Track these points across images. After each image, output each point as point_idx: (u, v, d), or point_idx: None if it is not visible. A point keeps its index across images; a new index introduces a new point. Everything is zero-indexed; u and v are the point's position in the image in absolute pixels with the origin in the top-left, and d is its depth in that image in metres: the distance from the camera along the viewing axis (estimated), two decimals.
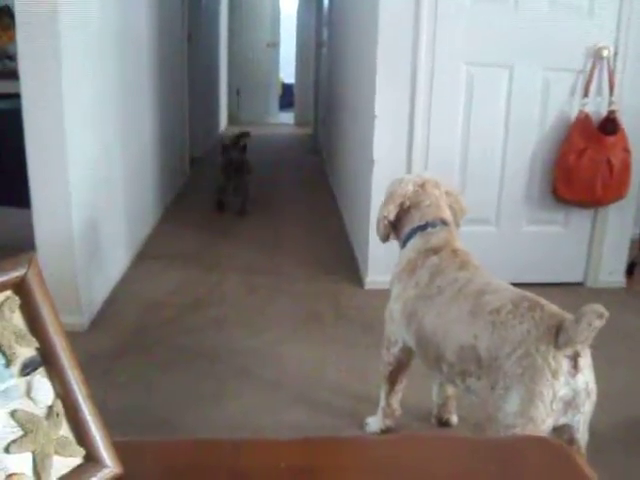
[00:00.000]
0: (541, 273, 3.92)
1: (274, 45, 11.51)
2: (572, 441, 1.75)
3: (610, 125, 3.60)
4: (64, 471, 0.79)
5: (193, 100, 6.92)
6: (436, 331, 2.00)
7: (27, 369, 0.79)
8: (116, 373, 2.83)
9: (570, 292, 3.85)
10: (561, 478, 0.87)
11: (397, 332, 2.24)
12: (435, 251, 2.15)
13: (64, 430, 0.80)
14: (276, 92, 12.01)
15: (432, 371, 2.15)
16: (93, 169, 3.44)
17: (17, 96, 2.99)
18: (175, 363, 2.97)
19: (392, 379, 2.36)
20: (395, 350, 2.29)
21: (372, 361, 2.59)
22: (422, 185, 2.28)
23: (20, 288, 0.79)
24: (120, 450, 0.82)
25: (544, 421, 1.69)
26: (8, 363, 0.77)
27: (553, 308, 1.78)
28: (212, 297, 3.72)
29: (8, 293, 0.79)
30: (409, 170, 3.72)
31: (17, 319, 0.79)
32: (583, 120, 3.66)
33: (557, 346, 1.68)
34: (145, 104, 4.74)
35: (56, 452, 0.78)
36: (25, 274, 0.79)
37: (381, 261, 3.80)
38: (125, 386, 2.74)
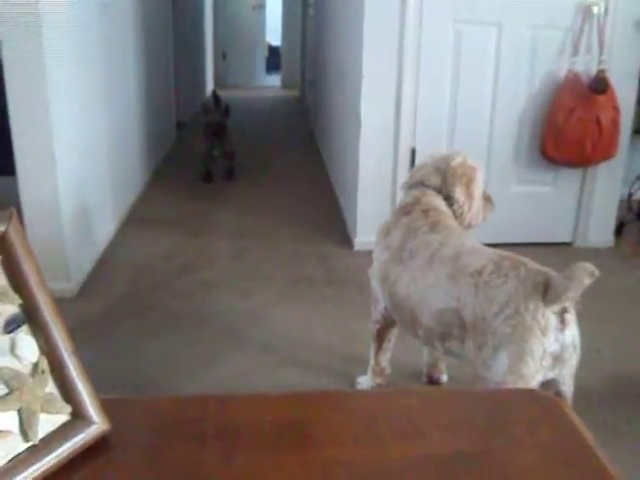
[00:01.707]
0: (530, 233, 3.93)
1: (260, 7, 11.37)
2: (558, 394, 1.78)
3: (600, 84, 3.58)
4: (51, 428, 0.78)
5: (179, 64, 6.85)
6: (410, 296, 2.01)
7: (10, 326, 0.78)
8: (105, 338, 2.83)
9: (559, 252, 3.86)
10: (551, 429, 0.88)
11: (378, 289, 2.24)
12: (406, 212, 2.15)
13: (50, 387, 0.79)
14: (263, 55, 11.90)
15: (408, 333, 2.16)
16: (78, 135, 3.40)
17: None
18: (165, 327, 2.97)
19: (380, 337, 2.37)
20: (380, 308, 2.29)
21: (362, 322, 2.59)
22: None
23: (1, 245, 0.78)
24: (107, 407, 0.82)
25: (534, 377, 1.72)
26: None
27: (535, 265, 1.79)
28: (201, 261, 3.71)
29: None
30: (397, 130, 3.70)
31: None
32: (572, 79, 3.64)
33: (545, 303, 1.69)
34: (130, 69, 4.68)
35: (42, 409, 0.78)
36: (5, 230, 0.78)
37: (370, 222, 3.78)
38: (115, 351, 2.74)
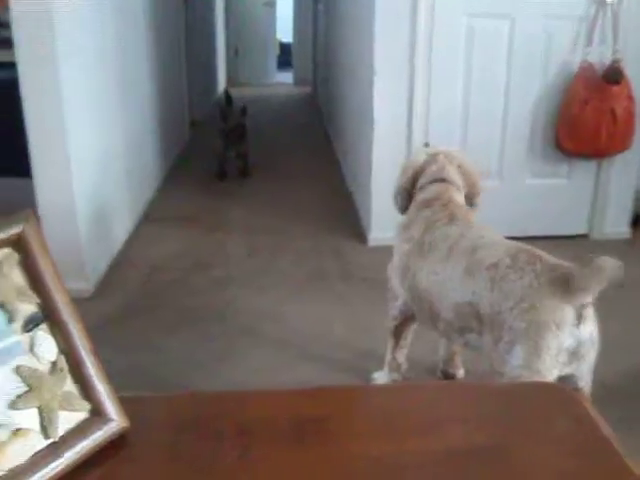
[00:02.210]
0: (545, 226, 3.91)
1: (270, 4, 11.36)
2: (576, 389, 1.76)
3: (614, 74, 3.55)
4: (70, 426, 0.79)
5: (191, 62, 6.86)
6: (430, 289, 2.01)
7: (29, 325, 0.78)
8: (123, 336, 2.84)
9: (575, 244, 3.84)
10: (569, 422, 0.87)
11: (398, 285, 2.25)
12: (427, 205, 2.16)
13: (68, 385, 0.80)
14: (274, 52, 11.89)
15: (427, 327, 2.17)
16: (93, 135, 3.42)
17: (12, 65, 2.96)
18: (180, 324, 2.98)
19: (397, 333, 2.37)
20: (399, 304, 2.29)
21: (377, 318, 2.59)
22: (434, 155, 2.27)
23: (19, 245, 0.79)
24: (125, 405, 0.82)
25: (550, 373, 1.70)
26: (10, 320, 0.77)
27: (552, 259, 1.78)
28: (216, 258, 3.72)
29: (7, 250, 0.78)
30: (410, 126, 3.69)
31: (17, 276, 0.79)
32: (586, 69, 3.61)
33: (563, 297, 1.68)
34: (143, 67, 4.69)
35: (61, 407, 0.78)
36: (23, 230, 0.79)
37: (384, 218, 3.78)
38: (131, 349, 2.75)
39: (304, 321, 3.00)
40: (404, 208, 2.29)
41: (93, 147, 3.42)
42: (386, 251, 3.30)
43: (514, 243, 1.90)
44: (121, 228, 3.92)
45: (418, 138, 3.72)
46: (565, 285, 1.68)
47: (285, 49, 12.03)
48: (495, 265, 1.81)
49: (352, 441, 0.84)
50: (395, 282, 2.26)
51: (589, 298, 1.69)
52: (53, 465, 0.75)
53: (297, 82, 11.29)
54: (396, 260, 2.23)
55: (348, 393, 0.97)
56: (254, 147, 5.49)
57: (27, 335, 0.78)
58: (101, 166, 3.55)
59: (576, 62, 3.66)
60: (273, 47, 11.81)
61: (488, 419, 0.88)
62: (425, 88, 3.67)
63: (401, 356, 2.41)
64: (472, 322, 1.87)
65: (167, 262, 3.67)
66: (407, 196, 2.27)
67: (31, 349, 0.78)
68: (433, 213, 2.11)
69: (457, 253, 1.94)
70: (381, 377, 2.48)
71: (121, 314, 3.06)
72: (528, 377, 1.70)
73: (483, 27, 3.62)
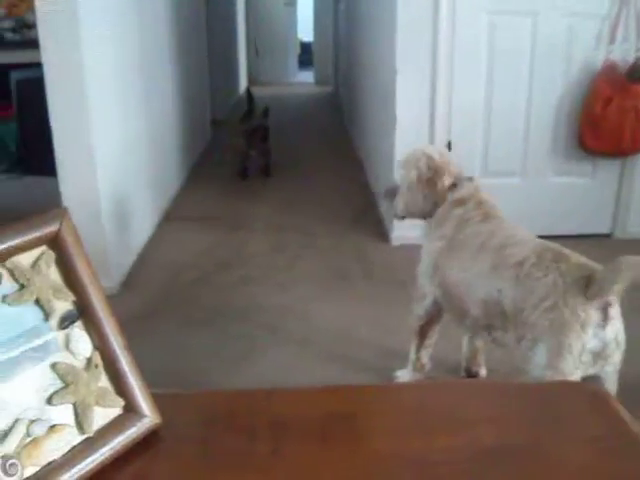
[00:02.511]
0: (568, 225, 3.89)
1: (291, 3, 11.38)
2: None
3: (637, 72, 3.52)
4: (104, 421, 0.80)
5: (213, 62, 6.89)
6: (459, 285, 2.02)
7: (65, 322, 0.80)
8: (147, 335, 2.86)
9: (598, 243, 3.82)
10: (598, 422, 0.87)
11: (426, 285, 2.24)
12: (461, 203, 2.15)
13: (103, 381, 0.81)
14: (295, 51, 11.91)
15: (458, 324, 2.17)
16: (117, 134, 3.45)
17: (38, 65, 3.00)
18: (204, 322, 3.00)
19: (422, 333, 2.37)
20: (426, 304, 2.28)
21: (400, 317, 2.60)
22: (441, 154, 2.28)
23: (54, 243, 0.80)
24: (157, 401, 0.83)
25: (573, 373, 1.69)
26: (47, 317, 0.78)
27: (578, 258, 1.77)
28: (239, 257, 3.74)
29: (43, 248, 0.79)
30: (432, 124, 3.69)
31: (53, 273, 0.80)
32: (609, 67, 3.59)
33: (587, 297, 1.66)
34: (165, 67, 4.72)
35: (96, 403, 0.79)
36: (59, 229, 0.80)
37: None
38: (155, 347, 2.77)
39: (327, 320, 3.01)
40: (425, 212, 2.26)
41: (117, 146, 3.44)
42: (408, 250, 3.32)
43: (542, 242, 1.89)
44: (144, 227, 3.94)
45: (440, 137, 3.72)
46: (589, 284, 1.66)
47: (306, 48, 12.05)
48: (521, 263, 1.80)
49: (381, 439, 0.84)
50: (424, 281, 2.26)
51: (613, 297, 1.68)
52: (88, 460, 0.76)
53: (318, 81, 11.31)
54: (425, 259, 2.23)
55: (377, 391, 0.98)
56: (275, 146, 5.51)
57: (63, 332, 0.80)
58: (124, 165, 3.58)
59: (599, 60, 3.63)
60: (294, 46, 11.83)
61: (517, 418, 0.88)
62: (447, 86, 3.66)
63: (425, 356, 2.41)
64: (497, 319, 1.87)
65: (190, 260, 3.69)
66: (422, 199, 2.24)
67: (67, 346, 0.80)
68: (466, 211, 2.11)
69: (486, 250, 1.95)
70: (404, 375, 2.47)
71: (145, 312, 3.08)
72: (551, 376, 1.69)
73: (505, 24, 3.60)
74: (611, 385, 1.77)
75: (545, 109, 3.75)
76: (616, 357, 1.73)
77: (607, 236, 3.96)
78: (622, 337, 1.73)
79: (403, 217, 2.37)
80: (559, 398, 0.93)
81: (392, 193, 2.37)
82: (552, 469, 0.79)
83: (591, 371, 1.72)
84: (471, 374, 2.54)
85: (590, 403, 0.92)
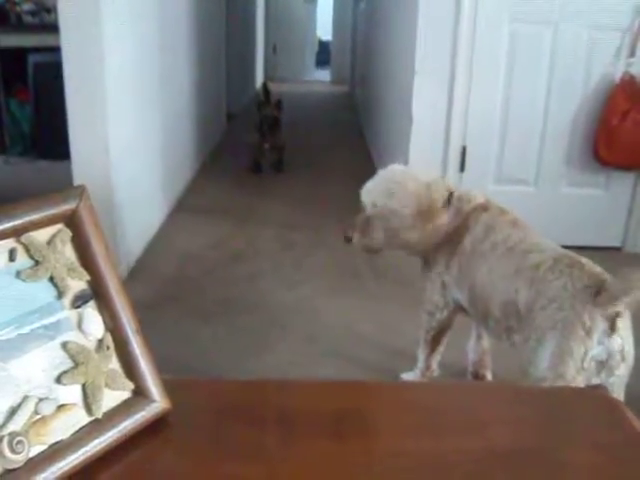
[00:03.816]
0: (579, 236, 3.86)
1: (311, 1, 11.38)
2: None
3: None
4: (113, 404, 0.79)
5: (230, 56, 6.89)
6: (485, 287, 2.02)
7: (78, 302, 0.79)
8: (153, 324, 2.85)
9: (608, 256, 3.78)
10: (609, 428, 0.87)
11: (447, 294, 2.22)
12: (484, 209, 2.13)
13: (114, 363, 0.80)
14: (313, 49, 11.91)
15: (481, 327, 2.23)
16: (131, 122, 3.44)
17: (55, 49, 3.00)
18: (211, 315, 2.99)
19: (434, 342, 2.36)
20: (438, 317, 2.28)
21: (407, 317, 2.59)
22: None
23: (71, 221, 0.79)
24: (167, 387, 0.83)
25: (574, 378, 1.68)
26: (60, 295, 0.78)
27: (593, 267, 1.77)
28: (248, 251, 3.73)
29: (60, 226, 0.79)
30: (448, 128, 3.68)
31: (69, 252, 0.79)
32: (628, 81, 3.57)
33: (595, 304, 1.66)
34: (183, 59, 4.72)
35: (106, 385, 0.79)
36: (77, 207, 0.79)
37: None
38: (160, 336, 2.76)
39: (334, 317, 3.00)
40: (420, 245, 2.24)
41: (131, 134, 3.44)
42: None
43: (563, 250, 1.90)
44: (155, 216, 3.94)
45: (455, 141, 3.71)
46: (599, 292, 1.66)
47: (324, 47, 12.04)
48: (537, 265, 1.83)
49: (391, 436, 0.84)
50: (435, 301, 2.25)
51: (623, 309, 1.68)
52: (95, 442, 0.75)
53: (334, 80, 11.30)
54: (430, 286, 2.23)
55: (389, 388, 0.97)
56: (289, 143, 5.50)
57: (75, 311, 0.79)
58: (138, 153, 3.58)
59: (618, 73, 3.61)
60: (312, 44, 11.83)
61: (529, 421, 0.87)
62: (465, 91, 3.65)
63: (434, 363, 2.41)
64: (514, 320, 1.88)
65: (199, 253, 3.68)
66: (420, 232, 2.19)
67: (79, 326, 0.79)
68: (491, 217, 2.10)
69: (514, 254, 1.96)
70: (409, 378, 2.46)
71: (153, 301, 3.07)
72: (552, 380, 1.70)
73: (526, 33, 3.59)
74: (618, 390, 1.75)
75: (561, 119, 3.73)
76: (622, 370, 1.72)
77: (617, 249, 3.94)
78: (630, 350, 1.72)
79: (379, 251, 2.36)
80: (571, 403, 0.92)
81: (365, 226, 2.32)
82: (562, 473, 0.79)
83: (595, 381, 1.70)
84: (478, 376, 2.53)
85: (601, 409, 0.91)
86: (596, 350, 1.68)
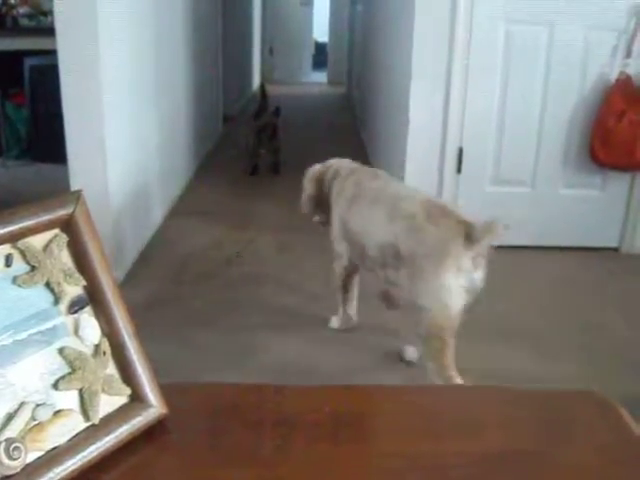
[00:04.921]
0: (576, 237, 3.88)
1: (308, 3, 11.39)
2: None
3: None
4: (110, 409, 0.79)
5: (226, 59, 6.89)
6: (360, 231, 2.48)
7: (75, 307, 0.79)
8: (150, 326, 2.84)
9: (605, 257, 3.81)
10: (607, 431, 0.87)
11: (341, 246, 2.70)
12: (351, 172, 2.70)
13: (110, 369, 0.80)
14: (309, 51, 11.91)
15: (360, 265, 2.66)
16: (128, 125, 3.44)
17: (52, 52, 2.99)
18: (209, 317, 2.99)
19: (344, 287, 2.83)
20: (342, 262, 2.74)
21: (402, 315, 2.59)
22: (328, 166, 2.88)
23: (68, 226, 0.79)
24: (164, 391, 0.82)
25: (456, 306, 2.13)
26: (56, 301, 0.78)
27: (462, 215, 2.17)
28: (246, 254, 3.73)
29: (56, 231, 0.79)
30: (444, 130, 3.69)
31: (65, 257, 0.79)
32: (624, 81, 3.58)
33: (465, 247, 2.08)
34: (179, 62, 4.72)
35: (103, 390, 0.79)
36: (73, 212, 0.79)
37: None
38: (158, 339, 2.76)
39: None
40: (311, 211, 2.95)
41: (128, 137, 3.44)
42: None
43: (428, 197, 2.38)
44: (152, 219, 3.94)
45: (452, 143, 3.71)
46: (467, 237, 2.07)
47: (321, 49, 12.04)
48: (413, 215, 2.23)
49: (390, 440, 0.84)
50: (338, 244, 2.71)
51: (483, 250, 2.09)
52: (92, 448, 0.75)
53: (331, 82, 11.31)
54: (336, 223, 2.68)
55: (387, 391, 0.97)
56: (285, 145, 5.50)
57: (72, 317, 0.79)
58: (134, 156, 3.58)
59: (614, 73, 3.62)
60: (309, 46, 11.83)
61: (526, 424, 0.87)
62: (461, 92, 3.65)
63: (351, 309, 2.88)
64: (391, 259, 2.28)
65: (196, 255, 3.68)
66: (312, 199, 2.90)
67: (75, 331, 0.79)
68: (358, 176, 2.65)
69: (381, 201, 2.41)
70: (334, 325, 2.90)
71: (150, 304, 3.07)
72: (438, 309, 2.15)
73: (521, 34, 3.59)
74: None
75: (558, 120, 3.73)
76: (472, 298, 2.16)
77: (614, 250, 3.94)
78: (482, 283, 2.16)
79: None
80: (567, 406, 0.92)
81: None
82: (559, 476, 0.79)
83: (462, 304, 2.14)
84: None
85: (598, 411, 0.91)
86: (465, 282, 2.11)
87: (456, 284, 2.11)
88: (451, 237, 2.11)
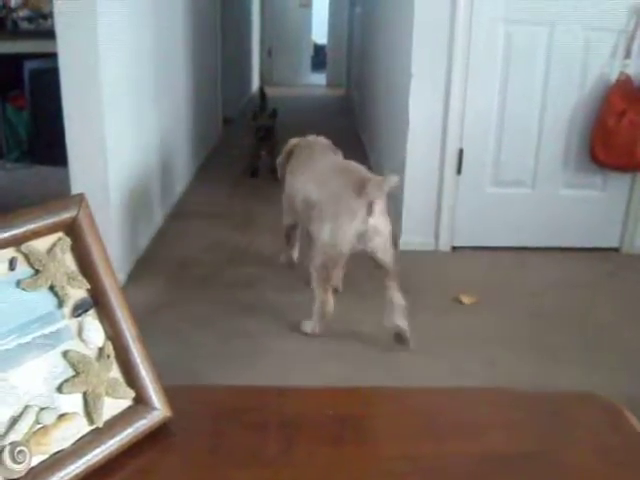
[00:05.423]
0: (576, 237, 3.88)
1: (307, 5, 11.39)
2: (378, 261, 2.64)
3: None
4: (114, 412, 0.79)
5: (226, 61, 6.89)
6: (294, 193, 2.94)
7: (78, 310, 0.79)
8: (152, 328, 2.85)
9: (606, 257, 3.80)
10: (611, 432, 0.87)
11: (285, 203, 3.19)
12: (310, 146, 3.14)
13: (114, 372, 0.80)
14: (308, 53, 11.91)
15: (298, 221, 3.17)
16: (128, 128, 3.44)
17: (52, 55, 2.99)
18: (210, 319, 2.99)
19: (288, 236, 3.39)
20: (287, 217, 3.25)
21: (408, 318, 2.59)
22: (301, 140, 3.24)
23: (71, 229, 0.79)
24: (168, 394, 0.82)
25: (345, 246, 2.58)
26: (60, 304, 0.78)
27: (361, 171, 2.70)
28: (245, 256, 3.73)
29: (60, 234, 0.79)
30: (444, 130, 3.69)
31: (69, 260, 0.79)
32: (624, 82, 3.58)
33: (359, 196, 2.51)
34: (179, 64, 4.72)
35: (107, 393, 0.79)
36: (76, 215, 0.79)
37: (415, 222, 3.79)
38: (161, 341, 2.76)
39: (332, 319, 2.99)
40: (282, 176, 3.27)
41: (128, 140, 3.44)
42: (415, 256, 3.33)
43: (342, 161, 3.00)
44: (152, 221, 3.94)
45: (452, 144, 3.71)
46: (362, 188, 2.50)
47: (319, 51, 12.04)
48: (322, 172, 2.80)
49: (392, 442, 0.84)
50: (284, 202, 3.19)
51: (378, 198, 2.52)
52: (97, 451, 0.75)
53: (330, 84, 11.30)
54: (284, 186, 3.16)
55: (389, 393, 0.97)
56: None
57: (76, 320, 0.79)
58: (135, 159, 3.58)
59: (614, 74, 3.62)
60: (307, 48, 11.82)
61: (529, 426, 0.87)
62: (461, 93, 3.65)
63: (294, 253, 3.44)
64: (310, 211, 2.72)
65: (196, 257, 3.68)
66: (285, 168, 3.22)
67: (79, 334, 0.79)
68: (311, 150, 3.07)
69: (307, 170, 2.90)
70: (282, 259, 3.45)
71: (151, 306, 3.07)
72: (331, 247, 2.61)
73: (521, 34, 3.60)
74: (382, 256, 2.62)
75: (558, 120, 3.73)
76: (376, 240, 2.58)
77: (615, 250, 3.94)
78: (384, 227, 2.60)
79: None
80: (570, 407, 0.92)
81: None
82: (562, 477, 0.79)
83: (359, 247, 2.58)
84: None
85: (602, 414, 0.91)
86: (359, 227, 2.54)
87: (348, 225, 2.54)
88: (346, 186, 2.56)
